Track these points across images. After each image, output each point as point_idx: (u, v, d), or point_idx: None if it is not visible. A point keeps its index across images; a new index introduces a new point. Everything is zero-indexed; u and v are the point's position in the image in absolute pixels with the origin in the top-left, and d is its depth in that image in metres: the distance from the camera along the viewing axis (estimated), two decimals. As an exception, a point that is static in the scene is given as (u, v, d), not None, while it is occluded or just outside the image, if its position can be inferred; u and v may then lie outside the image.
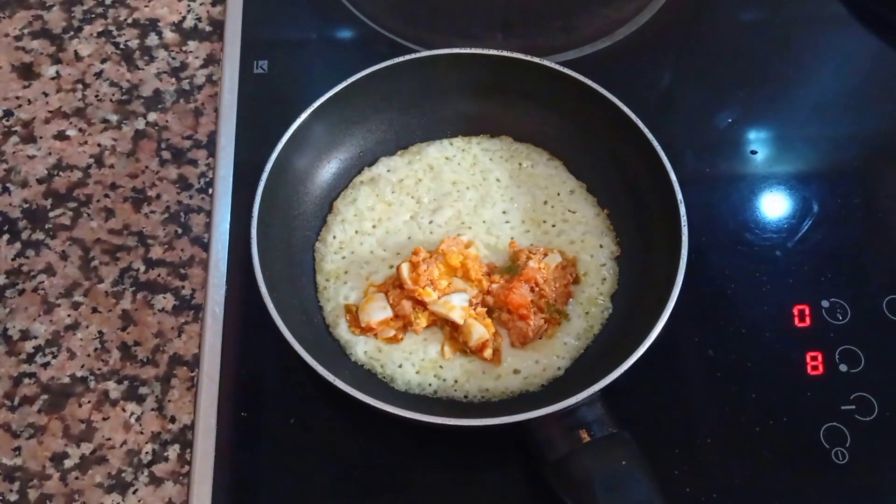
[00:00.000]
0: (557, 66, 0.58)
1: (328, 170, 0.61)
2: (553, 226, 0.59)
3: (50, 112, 0.67)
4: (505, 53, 0.58)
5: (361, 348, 0.55)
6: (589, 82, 0.57)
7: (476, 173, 0.61)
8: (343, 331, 0.55)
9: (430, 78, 0.60)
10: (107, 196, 0.63)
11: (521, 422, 0.48)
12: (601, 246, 0.58)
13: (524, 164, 0.61)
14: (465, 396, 0.54)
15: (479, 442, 0.53)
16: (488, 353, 0.54)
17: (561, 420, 0.48)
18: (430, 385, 0.54)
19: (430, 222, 0.59)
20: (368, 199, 0.60)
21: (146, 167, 0.65)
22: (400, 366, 0.54)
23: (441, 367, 0.54)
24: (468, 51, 0.59)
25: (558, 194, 0.60)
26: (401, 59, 0.58)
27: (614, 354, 0.50)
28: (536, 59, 0.58)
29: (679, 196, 0.53)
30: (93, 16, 0.71)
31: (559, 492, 0.47)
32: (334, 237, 0.59)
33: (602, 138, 0.59)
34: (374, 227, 0.59)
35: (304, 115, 0.56)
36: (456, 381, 0.54)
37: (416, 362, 0.54)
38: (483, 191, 0.60)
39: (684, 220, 0.53)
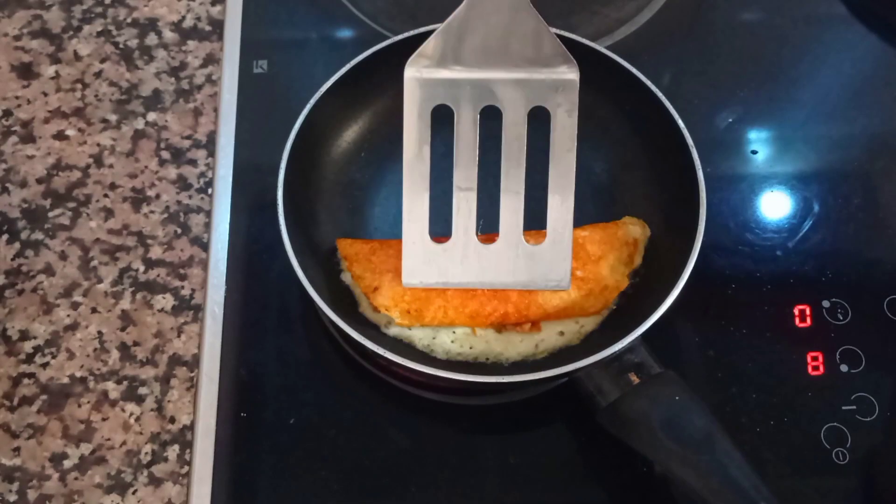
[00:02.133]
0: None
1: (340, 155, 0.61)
2: None
3: (49, 112, 0.67)
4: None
5: (393, 329, 0.54)
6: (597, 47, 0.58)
7: None
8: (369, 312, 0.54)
9: None
10: (106, 196, 0.63)
11: (570, 372, 0.48)
12: None
13: None
14: (507, 361, 0.53)
15: (496, 423, 0.54)
16: (526, 326, 0.53)
17: (608, 366, 0.49)
18: (471, 348, 0.53)
19: None
20: None
21: (145, 167, 0.64)
22: (434, 338, 0.53)
23: (476, 334, 0.54)
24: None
25: None
26: (404, 35, 0.58)
27: (649, 302, 0.51)
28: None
29: (687, 137, 0.55)
30: (92, 15, 0.71)
31: (617, 435, 0.48)
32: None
33: (614, 101, 0.60)
34: None
35: (319, 94, 0.57)
36: (493, 346, 0.53)
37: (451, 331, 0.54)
38: None
39: (698, 164, 0.54)
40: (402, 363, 0.49)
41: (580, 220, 0.57)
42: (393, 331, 0.53)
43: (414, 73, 0.50)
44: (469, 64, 0.50)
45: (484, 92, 0.50)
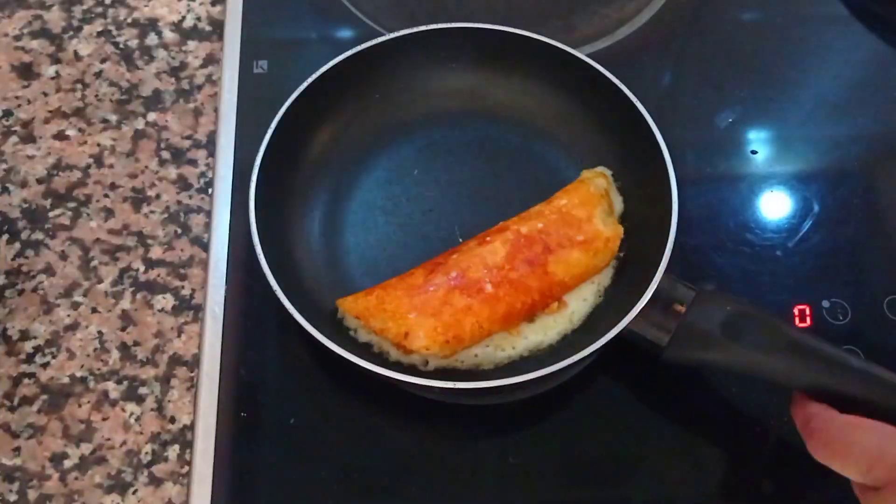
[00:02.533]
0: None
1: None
2: None
3: (49, 112, 0.67)
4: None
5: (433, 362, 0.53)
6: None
7: None
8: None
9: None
10: (106, 196, 0.63)
11: (626, 327, 0.49)
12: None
13: None
14: (550, 346, 0.54)
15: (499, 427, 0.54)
16: (553, 305, 0.54)
17: (653, 307, 0.50)
18: (513, 348, 0.54)
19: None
20: None
21: (146, 167, 0.64)
22: (476, 355, 0.53)
23: (511, 332, 0.54)
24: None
25: None
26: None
27: (649, 240, 0.52)
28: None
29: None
30: (92, 15, 0.71)
31: (693, 363, 0.50)
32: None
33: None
34: None
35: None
36: (532, 338, 0.54)
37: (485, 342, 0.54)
38: None
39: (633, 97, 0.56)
40: (474, 387, 0.49)
41: (539, 194, 0.57)
42: (433, 363, 0.52)
43: None
44: None
45: None
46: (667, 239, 0.51)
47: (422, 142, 0.62)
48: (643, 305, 0.50)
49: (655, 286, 0.50)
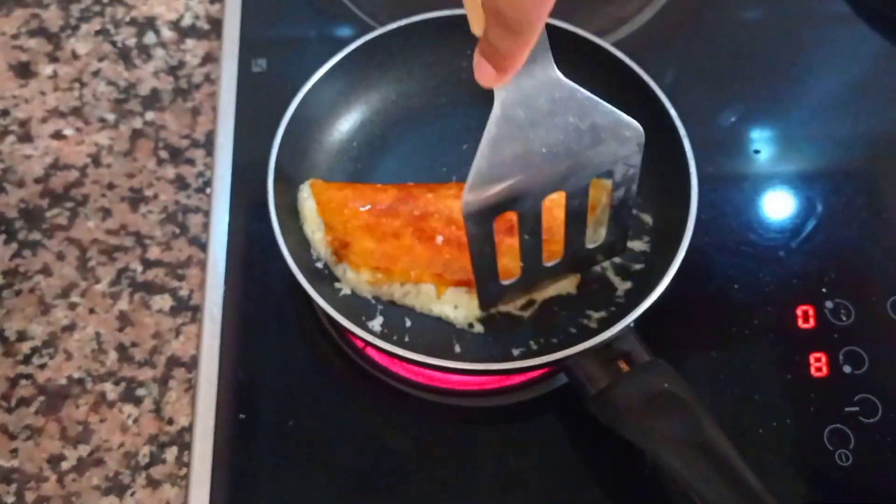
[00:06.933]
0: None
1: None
2: None
3: (47, 111, 0.66)
4: None
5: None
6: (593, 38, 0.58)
7: None
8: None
9: (433, 42, 0.61)
10: (104, 196, 0.63)
11: (560, 360, 0.49)
12: None
13: None
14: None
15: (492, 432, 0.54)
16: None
17: (598, 354, 0.49)
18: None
19: None
20: None
21: (143, 167, 0.64)
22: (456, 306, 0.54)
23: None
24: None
25: None
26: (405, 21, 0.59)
27: (643, 290, 0.51)
28: None
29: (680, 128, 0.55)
30: (90, 14, 0.71)
31: (606, 422, 0.49)
32: None
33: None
34: None
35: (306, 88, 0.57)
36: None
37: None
38: None
39: (690, 155, 0.55)
40: (432, 362, 0.49)
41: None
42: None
43: (470, 198, 0.43)
44: (523, 171, 0.43)
45: (546, 185, 0.44)
46: (644, 301, 0.50)
47: (441, 125, 0.62)
48: (586, 348, 0.48)
49: (608, 336, 0.49)
